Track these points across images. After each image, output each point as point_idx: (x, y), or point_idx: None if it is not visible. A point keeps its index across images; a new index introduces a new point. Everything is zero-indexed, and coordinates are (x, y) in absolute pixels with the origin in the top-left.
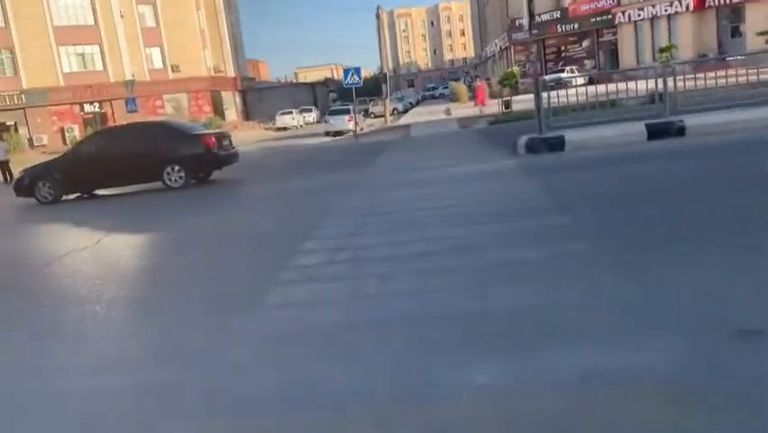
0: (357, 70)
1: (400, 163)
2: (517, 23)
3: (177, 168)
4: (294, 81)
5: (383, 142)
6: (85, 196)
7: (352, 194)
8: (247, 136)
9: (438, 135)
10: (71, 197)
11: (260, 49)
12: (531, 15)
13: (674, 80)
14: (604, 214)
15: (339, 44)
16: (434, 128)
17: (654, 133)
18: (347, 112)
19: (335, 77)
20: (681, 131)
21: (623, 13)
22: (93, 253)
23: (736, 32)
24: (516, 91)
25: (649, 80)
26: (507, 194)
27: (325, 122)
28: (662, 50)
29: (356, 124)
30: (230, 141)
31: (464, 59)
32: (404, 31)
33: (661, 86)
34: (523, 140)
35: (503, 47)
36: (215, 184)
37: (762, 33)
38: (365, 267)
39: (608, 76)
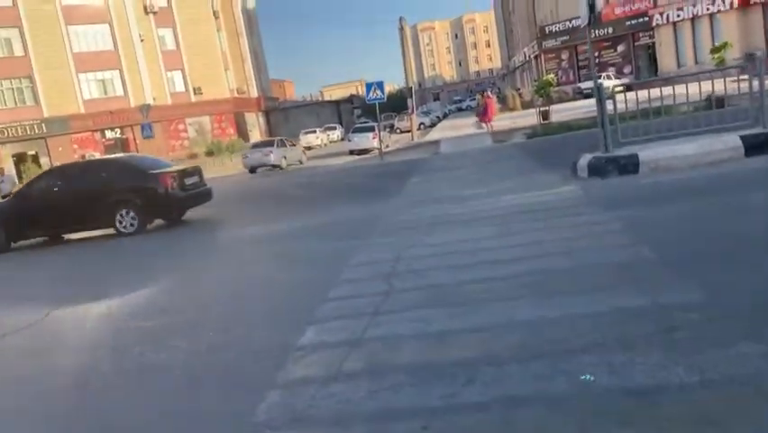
0: (380, 85)
1: (431, 190)
2: (547, 29)
3: (129, 211)
4: (319, 100)
5: (411, 162)
6: (44, 240)
7: (373, 238)
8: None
9: (471, 152)
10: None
11: (286, 69)
12: (591, 7)
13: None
14: (744, 277)
15: (363, 61)
16: (466, 144)
17: (754, 147)
18: (371, 129)
19: (360, 93)
20: None
21: (660, 14)
22: (35, 335)
23: None
24: (550, 100)
25: (702, 82)
26: (587, 242)
27: (348, 140)
28: (714, 50)
29: (381, 141)
30: (200, 177)
31: (490, 69)
32: (428, 44)
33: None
34: (585, 160)
35: (532, 55)
36: (192, 226)
37: None
38: (387, 388)
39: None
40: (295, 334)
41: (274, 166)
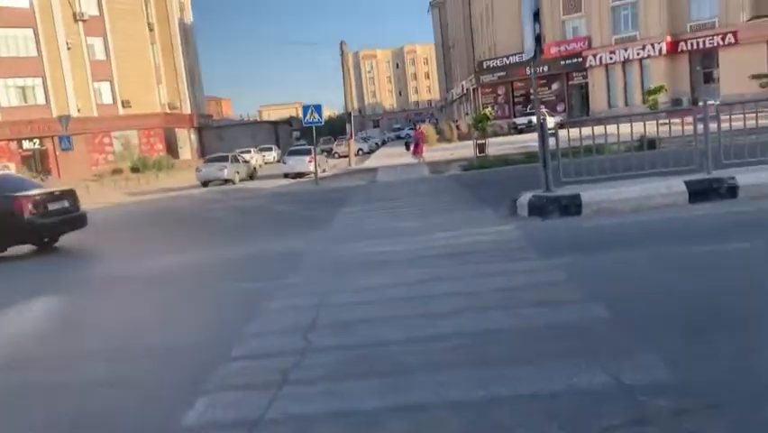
0: (317, 108)
1: (364, 222)
2: (485, 64)
3: None
4: (257, 119)
5: (346, 189)
6: None
7: (293, 279)
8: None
9: (408, 182)
10: None
11: (224, 86)
12: (537, 39)
13: (719, 125)
14: (705, 351)
15: (304, 83)
16: (403, 173)
17: (698, 193)
18: (308, 152)
19: (299, 115)
20: (731, 191)
21: (594, 56)
22: None
23: (709, 78)
24: (486, 134)
25: (634, 124)
26: (531, 295)
27: (284, 163)
28: (650, 93)
29: (317, 165)
30: (71, 202)
31: (429, 101)
32: (369, 72)
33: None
34: (526, 198)
35: (470, 89)
36: (69, 255)
37: (757, 77)
38: None
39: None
40: (179, 409)
41: (226, 180)
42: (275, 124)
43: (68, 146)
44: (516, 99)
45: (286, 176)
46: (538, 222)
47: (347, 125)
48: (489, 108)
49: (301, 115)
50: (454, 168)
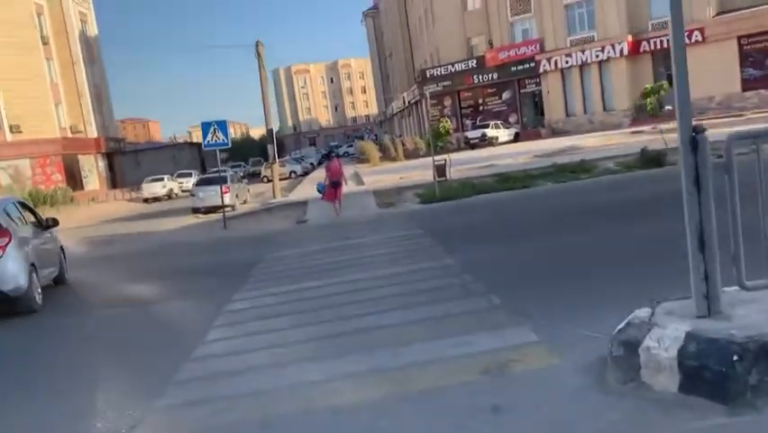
0: (221, 125)
1: (252, 359)
2: (428, 73)
3: None
4: (187, 141)
5: (261, 238)
6: None
7: None
8: (84, 214)
9: (348, 226)
10: None
11: (153, 108)
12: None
13: None
14: None
15: (237, 103)
16: (345, 209)
17: None
18: (221, 181)
19: (234, 135)
20: None
21: (548, 60)
22: None
23: None
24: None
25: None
26: None
27: (192, 195)
28: (646, 94)
29: (232, 198)
30: None
31: (367, 116)
32: (303, 87)
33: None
34: (671, 343)
35: (412, 101)
36: None
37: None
38: None
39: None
40: None
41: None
42: (199, 145)
43: None
44: (463, 110)
45: (194, 211)
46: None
47: (268, 147)
48: (446, 120)
49: (234, 134)
50: (409, 198)
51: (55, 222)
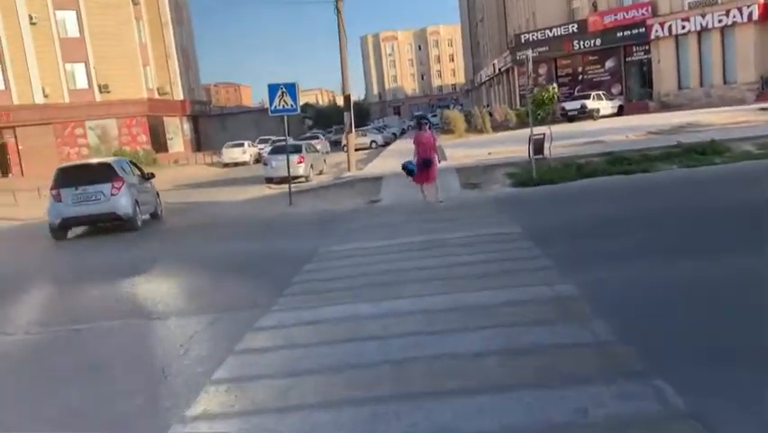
0: (290, 89)
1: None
2: (523, 38)
3: None
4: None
5: (323, 220)
6: None
7: None
8: (164, 177)
9: (426, 213)
10: None
11: (246, 72)
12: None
13: None
14: None
15: (326, 68)
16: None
17: None
18: (297, 150)
19: (320, 102)
20: None
21: (661, 25)
22: None
23: None
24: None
25: None
26: None
27: (265, 164)
28: None
29: (304, 169)
30: None
31: (454, 85)
32: (390, 54)
33: None
34: None
35: (503, 68)
36: None
37: None
38: None
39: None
40: None
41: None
42: None
43: None
44: (560, 79)
45: (269, 181)
46: None
47: (345, 115)
48: (551, 86)
49: (322, 102)
50: (499, 179)
51: (152, 175)
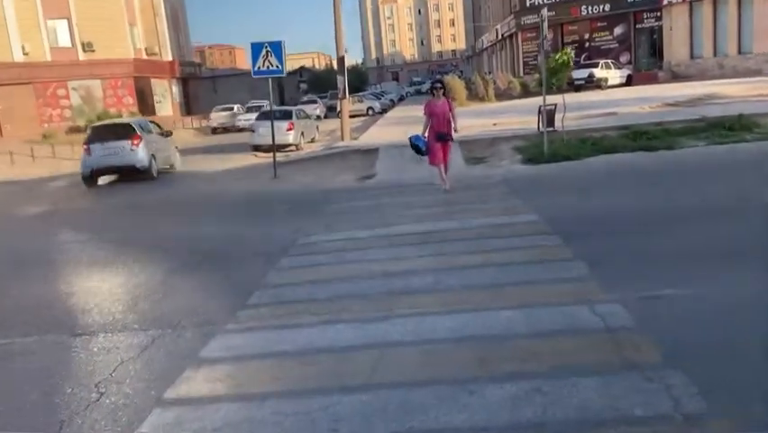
0: (275, 48)
1: None
2: (528, 2)
3: None
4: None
5: (308, 201)
6: None
7: None
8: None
9: (428, 192)
10: None
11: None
12: None
13: None
14: None
15: (324, 31)
16: (420, 163)
17: None
18: (286, 116)
19: (316, 66)
20: None
21: None
22: None
23: None
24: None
25: None
26: None
27: (252, 130)
28: None
29: (294, 137)
30: None
31: (454, 51)
32: (389, 18)
33: None
34: None
35: (506, 34)
36: None
37: None
38: None
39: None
40: None
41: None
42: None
43: None
44: (566, 46)
45: (255, 149)
46: None
47: (338, 78)
48: (566, 49)
49: (318, 66)
50: (507, 154)
51: (170, 133)
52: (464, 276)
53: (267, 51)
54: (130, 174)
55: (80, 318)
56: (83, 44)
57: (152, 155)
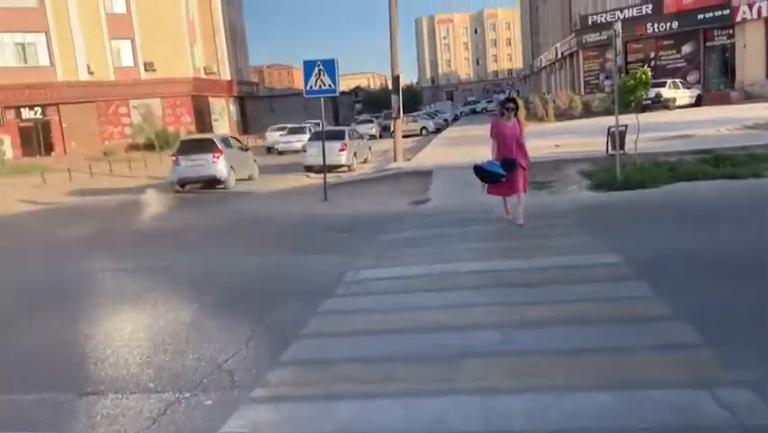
0: (328, 66)
1: None
2: (591, 19)
3: None
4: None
5: (357, 227)
6: None
7: None
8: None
9: (489, 223)
10: None
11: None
12: None
13: None
14: None
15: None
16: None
17: None
18: (339, 136)
19: (371, 86)
20: None
21: (749, 6)
22: None
23: None
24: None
25: None
26: None
27: (304, 150)
28: None
29: (347, 158)
30: None
31: (510, 70)
32: (444, 38)
33: None
34: None
35: (566, 53)
36: None
37: None
38: None
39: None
40: None
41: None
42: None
43: None
44: (630, 65)
45: (308, 169)
46: None
47: (393, 98)
48: (643, 67)
49: (373, 86)
50: (574, 179)
51: (248, 148)
52: (537, 335)
53: (320, 70)
54: (211, 184)
55: (93, 371)
56: (145, 63)
57: (231, 167)
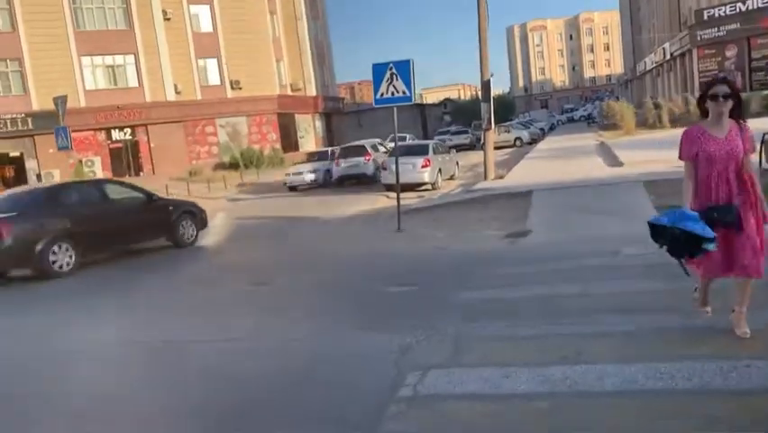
0: (402, 69)
1: None
2: (706, 14)
3: None
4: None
5: (435, 271)
6: None
7: None
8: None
9: (610, 263)
10: None
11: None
12: None
13: None
14: None
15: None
16: (592, 214)
17: None
18: (422, 152)
19: (461, 98)
20: None
21: None
22: None
23: None
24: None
25: None
26: None
27: (383, 168)
28: None
29: (431, 176)
30: None
31: (608, 76)
32: (537, 45)
33: None
34: None
35: (676, 53)
36: None
37: None
38: None
39: None
40: None
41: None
42: (421, 106)
43: (66, 144)
44: (754, 64)
45: (388, 189)
46: None
47: (483, 106)
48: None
49: (463, 97)
50: None
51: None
52: None
53: (392, 74)
54: (363, 181)
55: None
56: (231, 82)
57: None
